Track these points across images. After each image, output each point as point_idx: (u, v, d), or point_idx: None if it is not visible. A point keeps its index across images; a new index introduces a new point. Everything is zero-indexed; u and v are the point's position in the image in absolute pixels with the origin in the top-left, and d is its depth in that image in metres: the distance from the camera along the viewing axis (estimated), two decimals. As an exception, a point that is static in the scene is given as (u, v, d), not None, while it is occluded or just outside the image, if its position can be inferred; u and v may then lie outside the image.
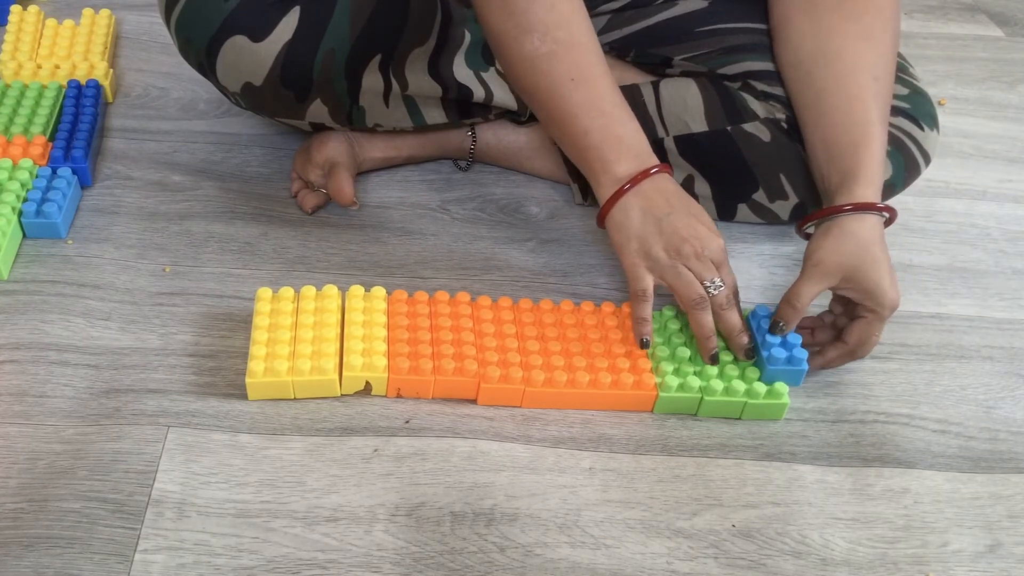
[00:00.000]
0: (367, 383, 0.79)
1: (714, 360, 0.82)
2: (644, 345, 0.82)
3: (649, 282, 0.81)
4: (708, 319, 0.81)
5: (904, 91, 0.95)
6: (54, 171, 0.94)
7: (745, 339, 0.82)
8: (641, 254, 0.80)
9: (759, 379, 0.81)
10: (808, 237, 0.85)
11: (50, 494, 0.70)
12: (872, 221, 0.81)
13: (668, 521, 0.73)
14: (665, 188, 0.81)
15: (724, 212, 0.99)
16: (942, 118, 1.01)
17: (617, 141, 0.81)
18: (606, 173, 0.81)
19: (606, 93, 0.81)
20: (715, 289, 0.80)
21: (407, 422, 0.78)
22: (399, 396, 0.80)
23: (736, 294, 0.82)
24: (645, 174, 0.80)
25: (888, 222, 0.83)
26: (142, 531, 0.68)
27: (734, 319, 0.81)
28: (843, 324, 0.84)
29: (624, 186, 0.80)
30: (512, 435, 0.78)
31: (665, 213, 0.79)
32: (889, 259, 0.81)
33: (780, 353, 0.81)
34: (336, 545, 0.69)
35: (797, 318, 0.81)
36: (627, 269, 0.81)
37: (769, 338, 0.82)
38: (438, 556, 0.69)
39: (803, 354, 0.82)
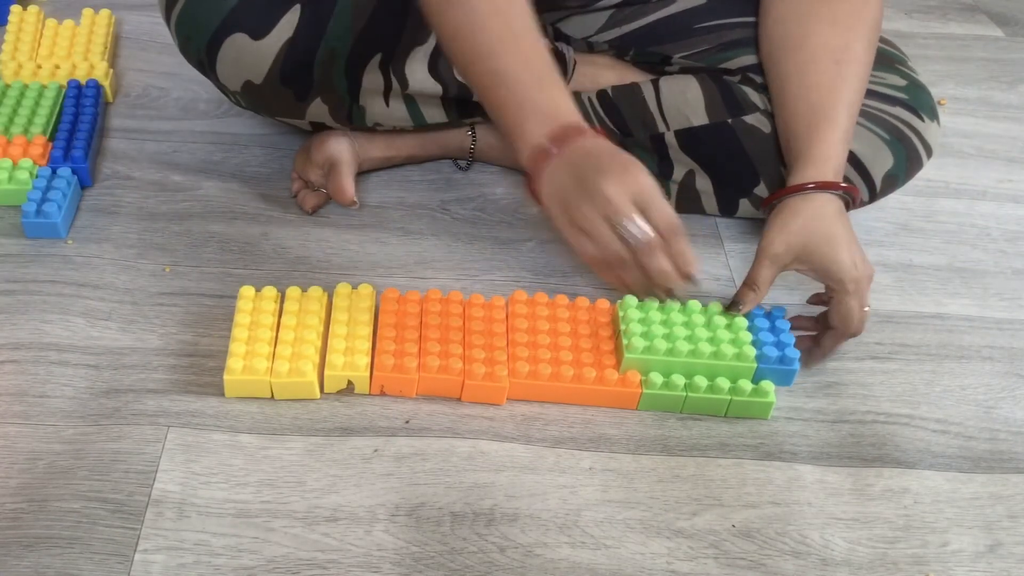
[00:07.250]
0: (349, 382, 0.79)
1: (668, 294, 0.78)
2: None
3: (591, 248, 0.74)
4: (634, 274, 0.74)
5: (902, 82, 0.95)
6: (54, 171, 0.94)
7: (676, 286, 0.75)
8: (571, 223, 0.73)
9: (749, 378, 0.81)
10: None
11: (50, 494, 0.70)
12: (822, 199, 0.81)
13: (668, 521, 0.73)
14: (593, 147, 0.72)
15: (726, 208, 0.99)
16: (942, 118, 1.01)
17: (531, 104, 0.73)
18: (522, 139, 0.74)
19: (529, 57, 0.74)
20: (631, 238, 0.72)
21: (407, 422, 0.78)
22: (383, 394, 0.80)
23: (673, 233, 0.73)
24: (577, 133, 0.72)
25: (853, 202, 0.83)
26: (142, 531, 0.68)
27: (657, 264, 0.73)
28: None
29: (549, 149, 0.73)
30: (512, 435, 0.78)
31: (592, 168, 0.72)
32: (849, 235, 0.81)
33: (772, 352, 0.81)
34: (336, 545, 0.69)
35: (756, 301, 0.83)
36: (569, 243, 0.75)
37: (762, 337, 0.82)
38: (438, 556, 0.69)
39: (795, 354, 0.82)
